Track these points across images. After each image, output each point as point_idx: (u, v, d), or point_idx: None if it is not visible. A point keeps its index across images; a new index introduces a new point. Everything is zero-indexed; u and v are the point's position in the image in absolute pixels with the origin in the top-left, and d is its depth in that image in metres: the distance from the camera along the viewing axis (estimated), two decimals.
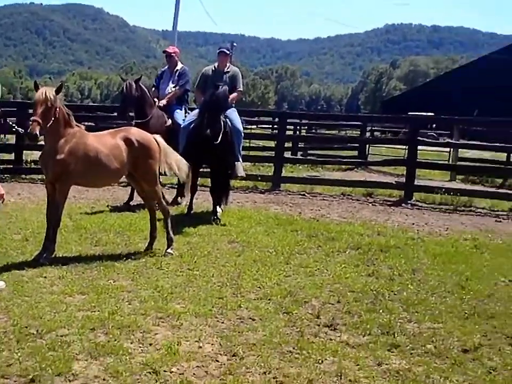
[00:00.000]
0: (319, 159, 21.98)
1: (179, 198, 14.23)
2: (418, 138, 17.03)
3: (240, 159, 12.94)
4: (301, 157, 23.47)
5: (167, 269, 8.82)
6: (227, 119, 12.41)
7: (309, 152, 26.70)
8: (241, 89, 13.49)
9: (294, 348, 6.29)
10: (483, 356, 6.37)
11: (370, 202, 16.18)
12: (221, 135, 11.80)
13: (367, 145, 27.40)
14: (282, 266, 9.27)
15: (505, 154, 23.79)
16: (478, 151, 25.11)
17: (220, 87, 11.98)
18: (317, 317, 7.23)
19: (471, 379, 5.84)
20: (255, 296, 7.85)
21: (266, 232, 11.54)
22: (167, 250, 9.60)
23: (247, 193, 16.62)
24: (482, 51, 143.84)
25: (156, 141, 9.63)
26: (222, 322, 6.91)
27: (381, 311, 7.49)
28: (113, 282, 8.12)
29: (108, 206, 13.49)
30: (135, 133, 9.56)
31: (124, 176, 9.93)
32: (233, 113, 12.84)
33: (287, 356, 6.12)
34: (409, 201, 16.08)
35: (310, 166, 23.00)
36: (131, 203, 13.51)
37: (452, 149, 24.50)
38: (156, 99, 13.86)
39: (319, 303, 7.74)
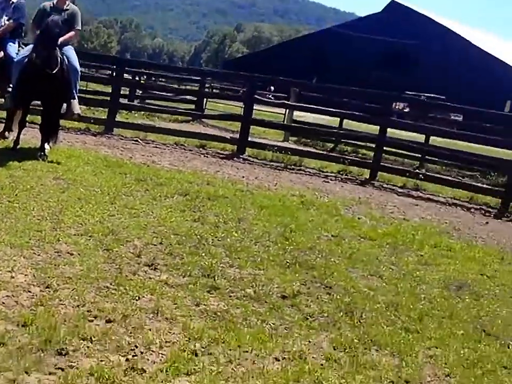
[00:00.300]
0: (155, 107, 21.52)
1: (6, 132, 13.55)
2: (255, 96, 17.05)
3: (76, 97, 12.46)
4: (137, 104, 22.99)
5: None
6: (64, 56, 11.89)
7: (146, 101, 26.25)
8: (79, 28, 12.90)
9: (111, 284, 6.11)
10: (301, 302, 6.45)
11: (202, 154, 16.10)
12: (56, 70, 11.32)
13: (205, 99, 27.26)
14: (107, 205, 8.99)
15: (338, 120, 24.37)
16: (313, 116, 25.59)
17: (52, 16, 11.52)
18: (138, 256, 7.07)
19: (287, 323, 5.88)
20: (76, 232, 7.57)
21: (94, 172, 11.19)
22: None
23: (78, 134, 16.11)
24: (325, 25, 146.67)
25: None
26: (38, 255, 6.60)
27: (203, 254, 7.42)
28: None
29: None
30: None
31: None
32: (70, 51, 12.32)
33: (104, 291, 5.93)
34: (241, 156, 16.13)
35: (146, 115, 22.65)
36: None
37: (287, 111, 24.85)
38: None
39: (141, 243, 7.56)
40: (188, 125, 23.17)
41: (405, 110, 42.70)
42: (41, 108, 12.56)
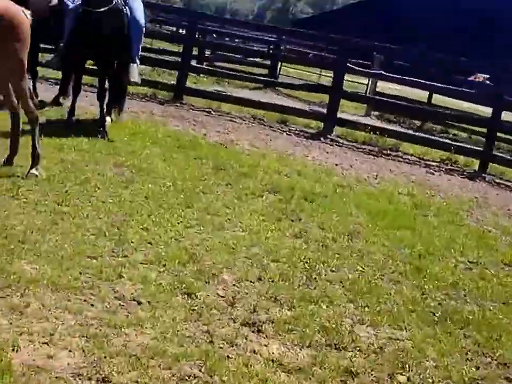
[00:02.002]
0: (231, 72, 19.17)
1: (61, 97, 11.55)
2: (348, 64, 14.71)
3: (137, 61, 10.35)
4: (210, 67, 20.73)
5: (26, 199, 6.32)
6: (126, 8, 9.79)
7: (215, 63, 24.00)
8: None
9: (200, 370, 4.02)
10: None
11: (284, 131, 13.87)
12: (107, 8, 9.28)
13: (280, 64, 24.92)
14: (182, 210, 6.92)
15: (427, 94, 21.86)
16: (396, 87, 23.14)
17: None
18: (231, 304, 4.98)
19: None
20: (144, 258, 5.51)
21: (164, 157, 9.14)
22: (31, 171, 7.08)
23: (143, 101, 14.03)
24: None
25: (24, 13, 6.93)
26: (91, 306, 4.56)
27: (319, 300, 5.31)
28: None
29: None
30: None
31: None
32: (135, 2, 10.17)
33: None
34: (329, 136, 13.87)
35: (215, 79, 20.46)
36: None
37: (370, 81, 22.42)
38: None
39: (233, 278, 5.48)
40: (259, 92, 20.86)
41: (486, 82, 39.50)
42: (98, 71, 10.53)
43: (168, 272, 5.27)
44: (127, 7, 9.77)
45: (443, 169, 13.00)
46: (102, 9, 9.29)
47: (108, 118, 10.15)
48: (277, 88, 21.63)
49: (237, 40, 34.34)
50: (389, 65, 21.08)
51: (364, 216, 8.07)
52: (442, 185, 11.39)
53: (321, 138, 13.65)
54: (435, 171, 12.72)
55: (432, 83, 16.46)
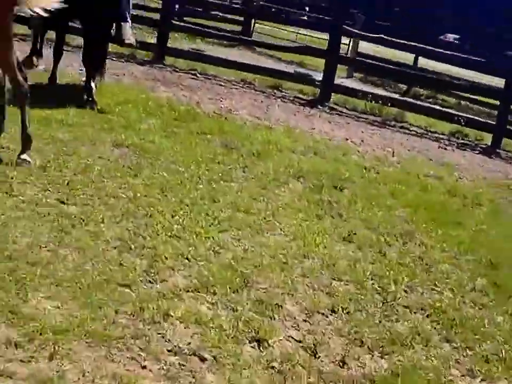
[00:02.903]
0: (210, 31, 17.62)
1: (34, 58, 10.06)
2: (345, 26, 13.47)
3: (129, 20, 8.97)
4: (190, 25, 19.13)
5: (22, 197, 5.07)
6: None
7: (184, 19, 22.34)
8: None
9: None
10: None
11: (279, 97, 12.62)
12: None
13: (253, 20, 23.41)
14: (208, 207, 5.72)
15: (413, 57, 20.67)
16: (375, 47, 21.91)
17: None
18: (314, 355, 3.78)
19: None
20: (186, 284, 4.29)
21: (165, 132, 7.93)
22: (22, 156, 5.79)
23: (122, 62, 12.59)
24: None
25: None
26: (144, 368, 3.32)
27: (413, 343, 4.16)
28: None
29: None
30: None
31: None
32: None
33: None
34: (326, 103, 12.67)
35: (186, 35, 18.92)
36: None
37: (351, 40, 21.12)
38: None
39: (300, 310, 4.29)
40: (235, 50, 19.44)
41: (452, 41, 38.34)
42: (82, 32, 9.12)
43: (223, 305, 4.10)
44: None
45: (454, 143, 11.92)
46: None
47: (93, 84, 8.78)
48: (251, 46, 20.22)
49: None
50: (370, 25, 19.95)
51: (406, 209, 6.96)
52: (462, 164, 10.34)
53: (319, 106, 12.44)
54: (446, 145, 11.64)
55: (421, 45, 15.19)
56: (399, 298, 4.79)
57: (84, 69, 8.81)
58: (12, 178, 5.36)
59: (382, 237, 6.00)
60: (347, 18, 14.02)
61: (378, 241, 5.86)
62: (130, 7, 9.06)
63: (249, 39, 19.39)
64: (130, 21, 8.93)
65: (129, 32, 8.89)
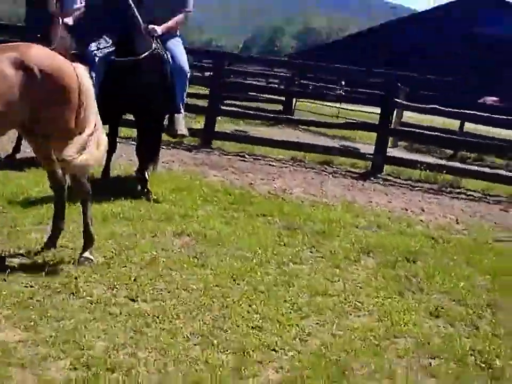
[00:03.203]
0: (258, 113, 17.50)
1: None
2: (396, 100, 13.31)
3: (182, 110, 8.82)
4: (234, 108, 19.09)
5: (90, 297, 4.80)
6: (167, 53, 8.33)
7: (225, 102, 22.33)
8: (190, 10, 9.12)
9: None
10: None
11: (329, 173, 12.37)
12: (144, 56, 7.81)
13: (294, 99, 23.44)
14: (284, 292, 5.40)
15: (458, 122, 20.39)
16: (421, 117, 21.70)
17: None
18: None
19: None
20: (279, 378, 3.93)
21: (224, 218, 7.67)
22: (84, 255, 5.53)
23: (169, 149, 12.44)
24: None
25: (75, 71, 5.42)
26: None
27: None
28: None
29: None
30: (38, 53, 5.26)
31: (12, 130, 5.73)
32: (176, 46, 8.71)
33: None
34: (379, 175, 12.40)
35: (231, 119, 18.89)
36: (18, 155, 9.25)
37: (396, 111, 20.89)
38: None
39: None
40: (276, 129, 19.33)
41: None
42: (135, 124, 8.98)
43: None
44: (167, 52, 8.34)
45: None
46: (141, 56, 7.82)
47: (146, 175, 8.60)
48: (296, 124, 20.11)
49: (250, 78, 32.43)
50: (413, 95, 19.71)
51: (485, 278, 6.58)
52: None
53: (372, 178, 12.17)
54: (509, 209, 11.22)
55: (471, 112, 14.90)
56: (508, 374, 4.39)
57: (137, 159, 8.65)
58: (76, 278, 5.11)
59: (470, 309, 5.62)
60: (396, 92, 13.78)
61: (467, 314, 5.48)
62: (185, 97, 8.91)
63: (295, 118, 19.24)
64: (183, 112, 8.78)
65: (183, 123, 8.75)
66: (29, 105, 5.03)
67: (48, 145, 5.47)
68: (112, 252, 5.85)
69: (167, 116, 8.92)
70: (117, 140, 8.84)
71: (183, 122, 8.82)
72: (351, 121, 19.32)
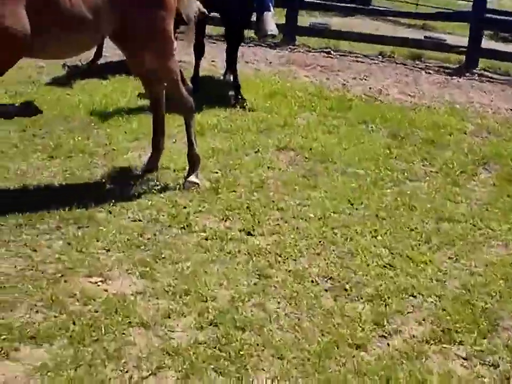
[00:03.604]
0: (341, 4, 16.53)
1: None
2: None
3: (272, 9, 8.13)
4: (314, 0, 18.13)
5: (203, 232, 4.40)
6: None
7: None
8: None
9: None
10: None
11: (422, 69, 11.61)
12: None
13: None
14: (407, 218, 4.95)
15: None
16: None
17: None
18: None
19: None
20: None
21: (325, 126, 7.14)
22: (189, 179, 5.13)
23: (251, 47, 11.81)
24: None
25: None
26: None
27: None
28: None
29: (64, 65, 8.52)
30: None
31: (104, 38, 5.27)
32: None
33: None
34: (474, 70, 11.59)
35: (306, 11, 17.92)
36: (99, 62, 8.79)
37: None
38: None
39: None
40: (353, 20, 18.32)
41: None
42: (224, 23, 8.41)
43: (479, 360, 3.33)
44: None
45: None
46: None
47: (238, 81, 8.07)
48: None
49: None
50: None
51: None
52: None
53: (467, 74, 11.39)
54: None
55: None
56: None
57: (226, 64, 8.14)
58: (185, 207, 4.72)
59: None
60: None
61: None
62: None
63: (380, 8, 18.12)
64: (272, 9, 8.12)
65: (273, 22, 8.10)
66: (120, 12, 4.59)
67: (142, 53, 5.02)
68: (217, 173, 5.43)
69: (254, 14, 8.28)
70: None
71: (272, 22, 8.17)
72: (443, 11, 18.03)
